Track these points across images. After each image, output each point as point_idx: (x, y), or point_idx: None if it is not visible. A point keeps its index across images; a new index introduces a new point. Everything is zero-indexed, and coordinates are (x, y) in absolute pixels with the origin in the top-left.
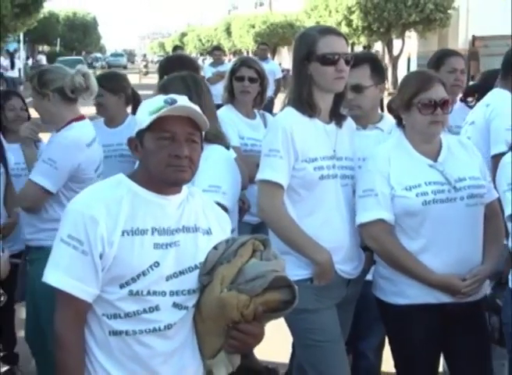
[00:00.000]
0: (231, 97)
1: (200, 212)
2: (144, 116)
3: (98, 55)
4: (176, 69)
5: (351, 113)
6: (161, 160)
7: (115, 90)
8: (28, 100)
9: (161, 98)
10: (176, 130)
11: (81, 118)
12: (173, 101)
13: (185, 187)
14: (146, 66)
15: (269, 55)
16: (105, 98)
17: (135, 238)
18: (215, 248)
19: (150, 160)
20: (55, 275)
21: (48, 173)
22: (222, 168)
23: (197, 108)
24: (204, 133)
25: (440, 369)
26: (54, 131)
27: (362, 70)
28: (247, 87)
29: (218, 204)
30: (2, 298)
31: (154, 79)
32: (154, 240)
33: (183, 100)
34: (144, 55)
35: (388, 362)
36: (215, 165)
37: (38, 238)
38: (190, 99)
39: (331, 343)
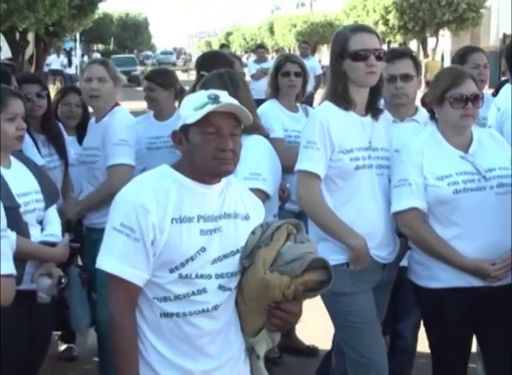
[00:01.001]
0: (275, 92)
1: (238, 199)
2: (188, 111)
3: (149, 53)
4: (211, 65)
5: (399, 102)
6: (208, 153)
7: (166, 85)
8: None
9: (204, 94)
10: (221, 125)
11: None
12: (216, 97)
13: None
14: (185, 64)
15: (310, 53)
16: (156, 92)
17: (183, 226)
18: (253, 232)
19: (196, 153)
20: (108, 261)
21: (125, 152)
22: (262, 156)
23: (238, 103)
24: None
25: (473, 349)
26: (93, 119)
27: (407, 61)
28: (294, 81)
29: (260, 190)
30: (63, 280)
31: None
32: (200, 227)
33: (224, 96)
34: (184, 53)
35: (423, 342)
36: (255, 154)
37: (104, 221)
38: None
39: (367, 324)
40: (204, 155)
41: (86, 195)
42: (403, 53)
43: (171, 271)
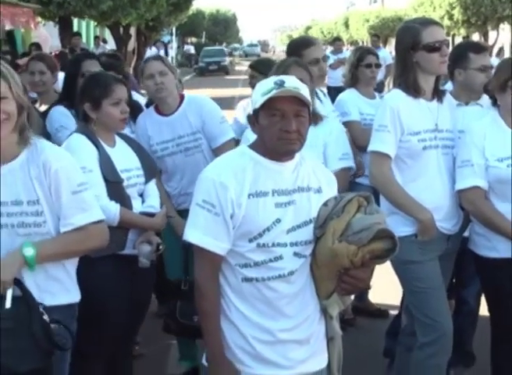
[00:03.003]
0: (354, 81)
1: (311, 174)
2: (257, 96)
3: (237, 45)
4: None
5: (482, 89)
6: (274, 134)
7: (268, 73)
8: (186, 78)
9: (271, 80)
10: (284, 108)
11: None
12: (282, 83)
13: (297, 153)
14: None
15: (381, 45)
16: (258, 79)
17: (259, 200)
18: (325, 204)
19: (264, 134)
20: (193, 234)
21: (229, 127)
22: (345, 138)
23: (302, 88)
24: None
25: None
26: (153, 113)
27: (487, 54)
28: (374, 72)
29: (351, 168)
30: (161, 247)
31: None
32: (275, 200)
33: (291, 81)
34: (268, 45)
35: (484, 307)
36: (341, 136)
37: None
38: None
39: (433, 289)
40: (271, 136)
41: None
42: (485, 47)
43: (250, 241)
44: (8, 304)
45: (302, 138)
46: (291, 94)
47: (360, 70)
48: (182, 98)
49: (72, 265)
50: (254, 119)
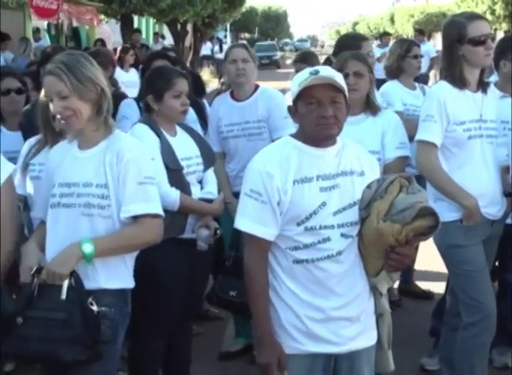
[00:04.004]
0: (398, 72)
1: (354, 158)
2: (294, 87)
3: (287, 40)
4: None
5: None
6: (312, 121)
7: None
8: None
9: (307, 71)
10: (320, 96)
11: None
12: (316, 72)
13: (339, 139)
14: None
15: (425, 39)
16: None
17: (304, 185)
18: (369, 186)
19: (304, 122)
20: (242, 221)
21: (290, 124)
22: (403, 128)
23: (336, 75)
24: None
25: None
26: (228, 98)
27: None
28: (420, 62)
29: (408, 157)
30: (219, 232)
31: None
32: (320, 185)
33: (325, 70)
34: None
35: None
36: (397, 126)
37: None
38: None
39: (477, 272)
40: (309, 123)
41: None
42: None
43: (298, 224)
44: (63, 295)
45: (339, 123)
46: (325, 81)
47: (407, 61)
48: (256, 87)
49: (130, 255)
50: (293, 109)
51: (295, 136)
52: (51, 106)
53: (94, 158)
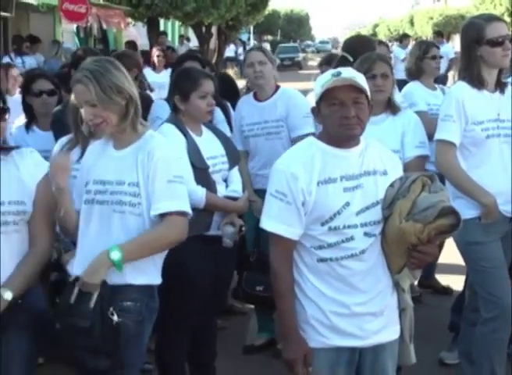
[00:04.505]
0: (418, 73)
1: (376, 158)
2: (317, 89)
3: (309, 42)
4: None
5: None
6: (335, 122)
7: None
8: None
9: (329, 72)
10: (342, 97)
11: None
12: (338, 74)
13: (362, 139)
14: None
15: (444, 40)
16: None
17: (328, 186)
18: (391, 185)
19: (327, 123)
20: (268, 222)
21: (310, 122)
22: (422, 127)
23: (358, 76)
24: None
25: None
26: (251, 98)
27: None
28: (439, 63)
29: (427, 156)
30: (244, 228)
31: None
32: (343, 185)
33: (347, 71)
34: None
35: None
36: (417, 125)
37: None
38: None
39: (496, 268)
40: (332, 123)
41: None
42: None
43: (322, 224)
44: (92, 304)
45: (362, 123)
46: (347, 82)
47: (425, 62)
48: (277, 88)
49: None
50: (316, 110)
51: (319, 137)
52: (82, 112)
53: (127, 158)
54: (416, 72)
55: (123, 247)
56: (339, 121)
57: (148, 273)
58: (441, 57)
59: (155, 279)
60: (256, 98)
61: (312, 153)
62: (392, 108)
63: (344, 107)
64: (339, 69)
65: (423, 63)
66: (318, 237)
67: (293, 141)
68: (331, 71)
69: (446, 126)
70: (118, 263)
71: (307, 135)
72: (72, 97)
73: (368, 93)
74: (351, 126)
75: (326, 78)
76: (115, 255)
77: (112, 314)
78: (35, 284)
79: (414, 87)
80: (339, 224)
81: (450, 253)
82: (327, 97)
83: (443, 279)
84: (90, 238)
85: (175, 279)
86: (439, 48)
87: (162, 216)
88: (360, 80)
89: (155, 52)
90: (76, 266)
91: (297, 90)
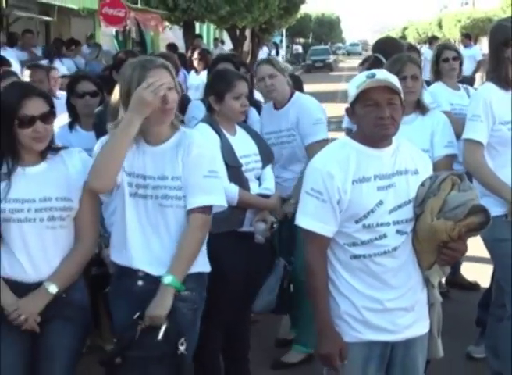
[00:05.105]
0: (437, 75)
1: (408, 158)
2: (352, 90)
3: (340, 44)
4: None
5: None
6: (370, 122)
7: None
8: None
9: (363, 74)
10: (377, 98)
11: None
12: (373, 75)
13: (394, 140)
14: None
15: (471, 43)
16: None
17: (362, 185)
18: (422, 184)
19: (362, 123)
20: (303, 219)
21: (322, 129)
22: (451, 127)
23: (392, 78)
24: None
25: None
26: (270, 106)
27: None
28: (452, 64)
29: (455, 155)
30: (275, 225)
31: None
32: (377, 184)
33: (381, 73)
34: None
35: None
36: (446, 125)
37: None
38: None
39: None
40: (368, 124)
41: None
42: None
43: (356, 222)
44: (160, 336)
45: (396, 123)
46: (382, 84)
47: (440, 65)
48: (292, 94)
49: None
50: (350, 110)
51: (353, 137)
52: (169, 97)
53: (167, 153)
54: (435, 74)
55: (172, 269)
56: (375, 121)
57: (200, 262)
58: (456, 58)
59: (206, 266)
60: (275, 106)
61: (347, 153)
62: (421, 108)
63: (379, 108)
64: (373, 70)
65: (438, 66)
66: (352, 234)
67: (306, 149)
68: (365, 73)
69: (474, 126)
70: (177, 285)
71: (318, 142)
72: (113, 96)
73: (402, 94)
74: (386, 126)
75: (361, 80)
76: (167, 280)
77: (182, 344)
78: (78, 279)
79: (437, 88)
80: (373, 222)
81: (477, 249)
82: (362, 98)
83: (471, 275)
84: (140, 232)
85: (208, 274)
86: (454, 49)
87: (189, 211)
88: (395, 81)
89: (195, 55)
90: (126, 258)
91: (328, 91)
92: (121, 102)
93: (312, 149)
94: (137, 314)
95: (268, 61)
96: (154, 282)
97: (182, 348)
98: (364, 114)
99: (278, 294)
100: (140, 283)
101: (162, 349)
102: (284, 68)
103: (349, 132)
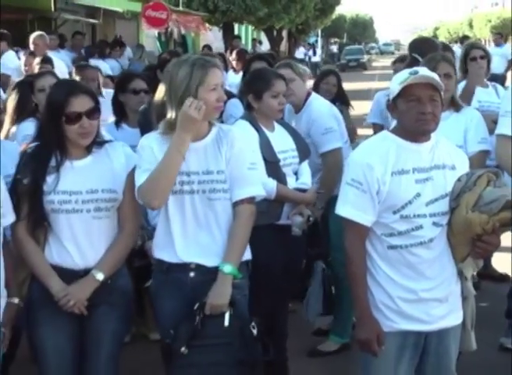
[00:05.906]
0: (465, 74)
1: (445, 153)
2: (395, 86)
3: (373, 44)
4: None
5: None
6: (412, 117)
7: None
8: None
9: (406, 71)
10: (419, 94)
11: None
12: (416, 72)
13: (433, 136)
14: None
15: (503, 42)
16: None
17: (401, 177)
18: (459, 179)
19: (403, 118)
20: (344, 208)
21: (332, 138)
22: (484, 124)
23: (434, 75)
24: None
25: None
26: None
27: None
28: (480, 63)
29: (489, 151)
30: (311, 219)
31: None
32: (415, 177)
33: (423, 70)
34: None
35: None
36: (479, 122)
37: None
38: None
39: None
40: (409, 118)
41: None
42: None
43: (394, 213)
44: (226, 322)
45: (436, 119)
46: (425, 80)
47: (468, 64)
48: (308, 96)
49: None
50: (392, 105)
51: (393, 131)
52: (215, 95)
53: (208, 148)
54: (464, 73)
55: (228, 257)
56: (416, 116)
57: (247, 250)
58: (483, 57)
59: (249, 255)
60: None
61: (387, 146)
62: (455, 105)
63: (421, 103)
64: (416, 68)
65: (467, 65)
66: (389, 224)
67: (321, 158)
68: (408, 70)
69: (506, 121)
70: (235, 273)
71: (330, 152)
72: (157, 94)
73: (443, 91)
74: (427, 121)
75: (404, 76)
76: (228, 268)
77: (254, 327)
78: (122, 266)
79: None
80: (410, 213)
81: (508, 241)
82: (405, 93)
83: (501, 267)
84: (185, 230)
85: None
86: (482, 48)
87: (235, 203)
88: (437, 78)
89: (233, 55)
90: (174, 255)
91: (362, 89)
92: (172, 98)
93: (325, 159)
94: (197, 304)
95: (287, 64)
96: (206, 273)
97: (254, 331)
98: (406, 109)
99: (323, 299)
100: (191, 274)
101: (230, 336)
102: (302, 72)
103: (376, 127)
